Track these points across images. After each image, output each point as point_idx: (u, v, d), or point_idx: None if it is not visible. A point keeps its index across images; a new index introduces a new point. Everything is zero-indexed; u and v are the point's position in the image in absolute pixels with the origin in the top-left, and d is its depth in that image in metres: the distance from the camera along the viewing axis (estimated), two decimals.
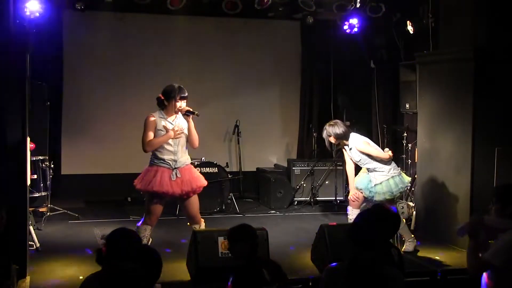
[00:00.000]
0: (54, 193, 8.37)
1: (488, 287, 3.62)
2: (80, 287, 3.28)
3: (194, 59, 9.92)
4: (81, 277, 5.50)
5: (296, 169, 9.43)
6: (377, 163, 6.46)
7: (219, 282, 4.97)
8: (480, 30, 6.95)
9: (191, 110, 5.86)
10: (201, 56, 9.97)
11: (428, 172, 7.53)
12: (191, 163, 6.12)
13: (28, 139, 5.65)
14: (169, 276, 5.34)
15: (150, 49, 9.76)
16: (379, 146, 6.87)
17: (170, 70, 9.51)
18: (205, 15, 9.62)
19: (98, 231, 7.37)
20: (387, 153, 6.50)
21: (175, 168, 5.82)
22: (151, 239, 5.84)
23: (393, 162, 6.59)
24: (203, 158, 8.63)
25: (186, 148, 5.97)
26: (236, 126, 9.85)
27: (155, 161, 5.84)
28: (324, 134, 6.55)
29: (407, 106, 8.65)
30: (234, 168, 10.00)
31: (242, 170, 9.96)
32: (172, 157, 5.82)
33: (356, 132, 6.83)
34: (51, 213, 7.89)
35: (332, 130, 6.44)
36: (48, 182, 7.87)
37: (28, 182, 5.82)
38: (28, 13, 7.39)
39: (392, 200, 6.62)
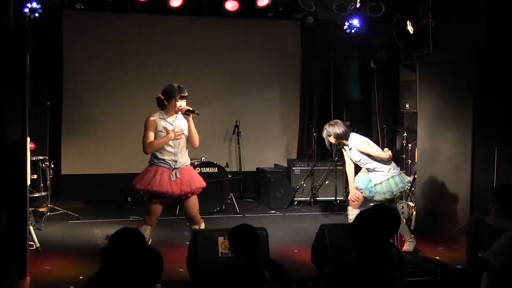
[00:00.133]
0: (54, 193, 8.37)
1: (487, 286, 3.62)
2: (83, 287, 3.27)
3: (194, 59, 9.92)
4: (81, 277, 5.50)
5: (296, 169, 9.43)
6: (377, 163, 6.46)
7: (219, 282, 4.99)
8: (480, 30, 6.95)
9: (191, 109, 5.86)
10: (201, 56, 9.98)
11: (428, 172, 7.52)
12: (191, 164, 6.13)
13: (28, 139, 5.64)
14: (169, 276, 5.33)
15: (150, 49, 9.77)
16: (379, 146, 6.87)
17: (170, 70, 9.52)
18: (205, 15, 9.62)
19: (98, 231, 7.38)
20: (387, 153, 6.50)
21: (175, 168, 5.82)
22: (151, 239, 5.85)
23: (392, 162, 6.59)
24: (203, 158, 8.64)
25: (186, 148, 5.97)
26: (236, 126, 9.86)
27: (155, 161, 5.84)
28: (324, 134, 6.55)
29: (407, 106, 8.65)
30: (234, 168, 10.00)
31: (242, 170, 9.97)
32: (173, 158, 5.82)
33: (356, 132, 6.83)
34: (51, 213, 7.90)
35: (332, 130, 6.44)
36: (48, 182, 7.87)
37: (28, 182, 5.82)
38: (28, 13, 7.40)
39: (392, 200, 6.63)
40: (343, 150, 6.67)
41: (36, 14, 7.53)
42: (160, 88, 5.94)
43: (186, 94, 5.86)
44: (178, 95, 5.80)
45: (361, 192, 6.52)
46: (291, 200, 9.25)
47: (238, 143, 9.95)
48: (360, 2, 8.27)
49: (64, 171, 9.39)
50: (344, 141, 6.51)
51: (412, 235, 6.69)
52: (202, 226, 5.96)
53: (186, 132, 5.87)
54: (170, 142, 5.79)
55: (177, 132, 5.77)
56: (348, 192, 6.81)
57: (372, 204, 6.57)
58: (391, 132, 9.70)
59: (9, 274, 3.96)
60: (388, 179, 6.44)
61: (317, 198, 9.35)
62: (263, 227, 5.68)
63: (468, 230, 3.55)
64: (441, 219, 7.26)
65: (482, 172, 6.74)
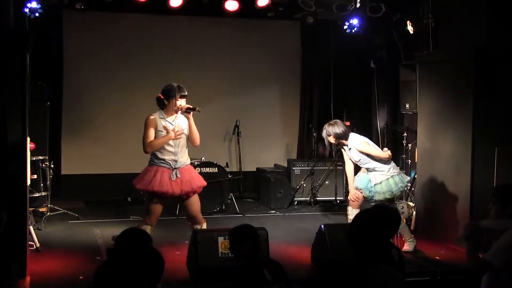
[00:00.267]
0: (54, 193, 8.38)
1: (488, 287, 3.62)
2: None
3: (194, 59, 9.92)
4: (81, 277, 5.51)
5: (296, 169, 9.43)
6: (376, 162, 6.47)
7: (219, 282, 4.99)
8: (480, 30, 6.95)
9: (192, 106, 5.86)
10: (201, 56, 9.98)
11: (428, 172, 7.52)
12: (191, 163, 6.13)
13: (28, 139, 5.64)
14: (169, 276, 5.33)
15: (150, 49, 9.77)
16: (378, 146, 6.87)
17: (170, 70, 9.52)
18: (205, 15, 9.62)
19: (98, 231, 7.38)
20: (387, 153, 6.50)
21: (175, 168, 5.82)
22: None
23: (392, 162, 6.59)
24: (203, 158, 8.64)
25: (186, 148, 5.97)
26: (236, 126, 9.86)
27: (155, 161, 5.84)
28: (324, 134, 6.55)
29: (407, 106, 8.65)
30: (234, 168, 10.00)
31: (242, 170, 9.97)
32: (173, 158, 5.82)
33: (356, 132, 6.83)
34: (51, 213, 7.90)
35: (331, 129, 6.44)
36: (48, 182, 7.87)
37: (28, 182, 5.82)
38: (28, 13, 7.39)
39: (392, 200, 6.63)
40: (342, 150, 6.67)
41: (36, 14, 7.53)
42: (160, 88, 5.94)
43: (186, 93, 5.86)
44: (178, 94, 5.80)
45: (361, 192, 6.52)
46: (291, 200, 9.25)
47: (238, 143, 9.95)
48: (360, 2, 8.27)
49: (64, 171, 9.39)
50: (344, 141, 6.51)
51: (412, 235, 6.69)
52: (204, 226, 5.96)
53: (186, 132, 5.88)
54: (170, 142, 5.79)
55: (177, 131, 5.77)
56: (348, 192, 6.81)
57: (373, 203, 6.58)
58: (391, 132, 9.70)
59: (9, 274, 3.96)
60: (387, 178, 6.44)
61: (317, 198, 9.35)
62: (263, 227, 5.68)
63: (466, 233, 3.56)
64: (441, 219, 7.26)
65: (482, 172, 6.74)
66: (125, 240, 3.39)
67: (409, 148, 8.68)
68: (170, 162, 5.81)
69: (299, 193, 9.35)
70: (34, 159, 7.65)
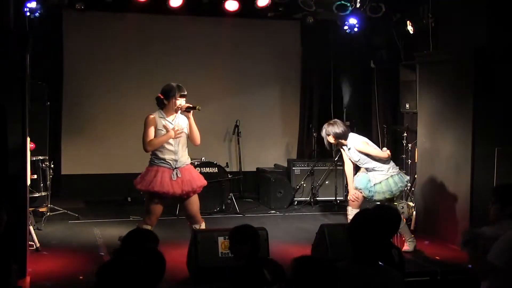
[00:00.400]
0: (54, 193, 8.38)
1: (488, 286, 3.62)
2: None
3: (194, 59, 9.92)
4: (81, 277, 5.51)
5: (296, 169, 9.43)
6: (376, 162, 6.47)
7: (219, 282, 4.99)
8: (480, 30, 6.95)
9: (192, 105, 5.86)
10: (201, 56, 9.98)
11: (428, 172, 7.52)
12: (191, 163, 6.13)
13: (28, 139, 5.65)
14: (169, 276, 5.33)
15: (150, 49, 9.77)
16: (378, 146, 6.87)
17: (170, 70, 9.52)
18: (205, 15, 9.62)
19: (98, 231, 7.38)
20: (386, 152, 6.51)
21: (175, 168, 5.82)
22: None
23: (391, 161, 6.60)
24: (203, 158, 8.64)
25: (186, 147, 5.97)
26: (236, 126, 9.86)
27: (155, 161, 5.84)
28: (323, 133, 6.55)
29: (407, 106, 8.65)
30: (234, 168, 10.00)
31: (242, 170, 9.97)
32: (173, 157, 5.82)
33: (356, 132, 6.83)
34: (51, 213, 7.90)
35: (331, 129, 6.45)
36: (48, 182, 7.87)
37: (28, 182, 5.82)
38: (28, 13, 7.39)
39: (392, 199, 6.63)
40: (341, 150, 6.67)
41: (36, 14, 7.52)
42: (160, 88, 5.94)
43: (186, 92, 5.87)
44: (178, 94, 5.81)
45: (361, 192, 6.52)
46: (291, 200, 9.25)
47: (238, 143, 9.95)
48: (360, 2, 8.27)
49: (64, 171, 9.39)
50: (343, 141, 6.51)
51: (412, 235, 6.69)
52: (203, 225, 5.96)
53: (185, 131, 5.88)
54: (170, 141, 5.80)
55: (177, 130, 5.77)
56: (348, 192, 6.81)
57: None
58: (391, 132, 9.70)
59: (9, 274, 3.96)
60: (387, 178, 6.45)
61: (317, 198, 9.35)
62: (263, 227, 5.68)
63: (464, 240, 3.56)
64: (441, 219, 7.26)
65: (482, 172, 6.74)
66: (131, 240, 3.40)
67: (409, 148, 8.68)
68: (170, 162, 5.81)
69: (299, 193, 9.35)
70: (34, 159, 7.65)
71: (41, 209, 7.86)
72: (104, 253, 6.17)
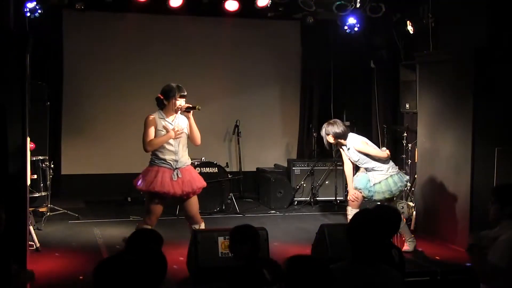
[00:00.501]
0: (54, 193, 8.38)
1: (488, 286, 3.62)
2: None
3: (194, 59, 9.92)
4: (81, 277, 5.51)
5: (296, 169, 9.43)
6: (375, 162, 6.47)
7: (219, 282, 4.98)
8: (480, 30, 6.95)
9: (192, 105, 5.86)
10: (201, 56, 9.98)
11: (428, 172, 7.52)
12: (191, 163, 6.13)
13: (28, 139, 5.64)
14: (169, 276, 5.33)
15: (150, 49, 9.77)
16: (378, 146, 6.87)
17: (170, 70, 9.52)
18: (205, 15, 9.62)
19: (98, 231, 7.39)
20: (385, 152, 6.51)
21: (176, 168, 5.82)
22: None
23: (391, 161, 6.60)
24: (203, 158, 8.64)
25: (187, 148, 5.97)
26: (236, 126, 9.86)
27: (156, 161, 5.84)
28: (323, 133, 6.54)
29: (407, 106, 8.65)
30: (234, 168, 10.00)
31: (242, 170, 9.97)
32: (173, 157, 5.82)
33: (356, 132, 6.83)
34: (51, 213, 7.90)
35: (331, 129, 6.44)
36: (48, 182, 7.87)
37: (28, 182, 5.82)
38: (28, 13, 7.39)
39: (392, 199, 6.63)
40: (341, 150, 6.67)
41: (36, 14, 7.52)
42: (160, 88, 5.94)
43: (185, 93, 5.87)
44: (178, 94, 5.81)
45: (360, 192, 6.52)
46: (291, 200, 9.25)
47: (238, 143, 9.95)
48: (360, 2, 8.27)
49: (64, 171, 9.39)
50: (342, 141, 6.50)
51: (412, 235, 6.69)
52: (202, 226, 5.96)
53: (186, 131, 5.88)
54: (171, 141, 5.80)
55: (177, 131, 5.77)
56: (348, 192, 6.80)
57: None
58: (391, 132, 9.70)
59: (9, 273, 3.96)
60: (387, 178, 6.45)
61: (317, 198, 9.35)
62: (263, 227, 5.68)
63: (470, 244, 3.57)
64: (441, 219, 7.26)
65: (482, 172, 6.74)
66: (135, 241, 3.40)
67: (409, 148, 8.68)
68: (171, 162, 5.81)
69: (299, 193, 9.35)
70: (34, 159, 7.65)
71: (41, 209, 7.86)
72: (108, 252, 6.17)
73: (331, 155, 9.41)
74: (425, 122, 7.68)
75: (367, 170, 6.52)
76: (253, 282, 3.79)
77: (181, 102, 5.83)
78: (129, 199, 8.96)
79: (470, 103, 6.79)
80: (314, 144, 9.95)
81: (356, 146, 6.44)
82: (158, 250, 3.32)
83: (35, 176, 7.67)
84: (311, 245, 5.98)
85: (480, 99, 6.75)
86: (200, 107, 5.87)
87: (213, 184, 8.27)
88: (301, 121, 10.46)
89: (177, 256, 6.00)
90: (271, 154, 10.30)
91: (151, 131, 5.76)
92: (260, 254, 4.18)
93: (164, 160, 5.81)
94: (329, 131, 6.45)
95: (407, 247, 6.55)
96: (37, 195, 7.78)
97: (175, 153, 5.82)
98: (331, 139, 6.50)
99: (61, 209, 8.04)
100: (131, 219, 7.98)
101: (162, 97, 5.86)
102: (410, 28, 8.41)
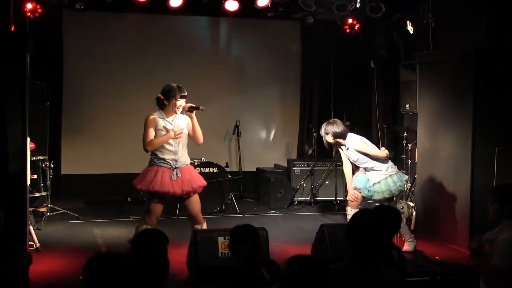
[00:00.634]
0: (54, 193, 8.37)
1: (488, 286, 3.62)
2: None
3: (194, 59, 9.92)
4: (81, 277, 5.49)
5: (296, 169, 9.43)
6: (374, 162, 6.46)
7: (219, 282, 4.98)
8: (480, 30, 6.95)
9: (194, 105, 5.86)
10: (201, 56, 9.98)
11: (428, 172, 7.52)
12: (191, 163, 6.13)
13: (28, 139, 5.65)
14: (169, 276, 5.32)
15: (150, 49, 9.76)
16: (378, 146, 6.87)
17: (170, 70, 9.51)
18: (205, 15, 9.62)
19: (98, 231, 7.38)
20: (384, 152, 6.51)
21: (175, 168, 5.82)
22: None
23: (390, 161, 6.60)
24: (203, 158, 8.64)
25: (186, 147, 5.97)
26: (236, 126, 9.86)
27: (155, 161, 5.84)
28: (322, 132, 6.54)
29: (407, 106, 8.65)
30: (234, 168, 10.00)
31: (242, 170, 9.97)
32: (173, 157, 5.82)
33: (356, 132, 6.83)
34: (51, 213, 7.90)
35: (330, 128, 6.44)
36: (48, 182, 7.87)
37: (28, 182, 5.82)
38: (28, 13, 7.39)
39: (391, 199, 6.63)
40: (340, 150, 6.67)
41: (36, 14, 7.53)
42: (160, 88, 5.95)
43: (186, 93, 5.87)
44: (178, 95, 5.81)
45: (360, 192, 6.51)
46: (291, 200, 9.25)
47: (238, 143, 9.95)
48: (360, 2, 8.27)
49: (64, 171, 9.39)
50: (342, 141, 6.50)
51: (412, 235, 6.69)
52: (204, 226, 5.96)
53: (185, 131, 5.89)
54: (170, 141, 5.81)
55: (177, 131, 5.78)
56: (348, 192, 6.80)
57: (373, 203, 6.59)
58: (391, 132, 9.70)
59: (9, 273, 3.96)
60: (386, 178, 6.45)
61: (317, 198, 9.35)
62: (263, 227, 5.68)
63: (473, 249, 3.57)
64: (441, 219, 7.26)
65: (482, 172, 6.73)
66: (140, 242, 3.39)
67: (409, 148, 8.68)
68: (170, 161, 5.81)
69: (299, 193, 9.35)
70: (34, 159, 7.65)
71: (41, 209, 7.86)
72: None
73: (331, 155, 9.41)
74: (425, 122, 7.68)
75: (366, 170, 6.52)
76: (252, 282, 3.79)
77: (181, 103, 5.83)
78: (129, 199, 8.96)
79: (470, 103, 6.79)
80: (314, 144, 9.94)
81: (355, 145, 6.44)
82: (162, 252, 3.31)
83: (35, 176, 7.67)
84: (311, 245, 5.98)
85: (480, 99, 6.75)
86: (203, 108, 5.88)
87: (213, 184, 8.27)
88: (301, 121, 10.46)
89: (177, 256, 5.99)
90: (271, 154, 10.30)
91: (151, 131, 5.76)
92: (260, 254, 4.18)
93: (164, 159, 5.81)
94: (328, 131, 6.45)
95: (407, 247, 6.55)
96: (37, 195, 7.78)
97: (174, 152, 5.83)
98: (330, 139, 6.49)
99: (61, 209, 8.04)
100: (131, 219, 7.98)
101: (162, 97, 5.86)
102: (410, 28, 8.41)
